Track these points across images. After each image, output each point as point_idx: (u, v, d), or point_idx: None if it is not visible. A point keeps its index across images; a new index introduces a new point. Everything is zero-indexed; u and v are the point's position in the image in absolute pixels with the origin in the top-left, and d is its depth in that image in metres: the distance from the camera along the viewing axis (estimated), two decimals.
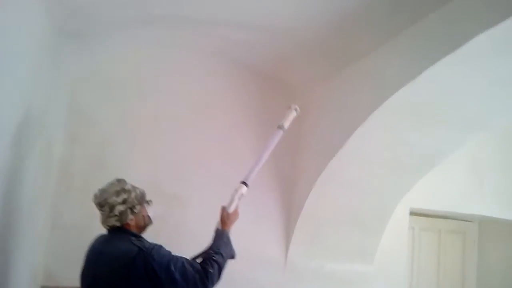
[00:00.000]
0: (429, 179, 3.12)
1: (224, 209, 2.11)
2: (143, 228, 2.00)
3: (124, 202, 1.89)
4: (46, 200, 2.58)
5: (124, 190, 1.91)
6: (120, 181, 1.96)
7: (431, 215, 4.03)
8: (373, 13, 2.05)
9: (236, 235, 2.88)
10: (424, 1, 1.86)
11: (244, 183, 2.16)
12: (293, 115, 2.26)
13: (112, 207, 1.88)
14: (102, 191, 1.92)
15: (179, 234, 2.76)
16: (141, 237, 1.93)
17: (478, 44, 1.64)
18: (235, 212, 2.12)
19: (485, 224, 4.30)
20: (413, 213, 3.69)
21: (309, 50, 2.57)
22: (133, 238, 1.86)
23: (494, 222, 4.12)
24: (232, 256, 2.03)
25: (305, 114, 2.97)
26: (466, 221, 4.27)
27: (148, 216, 2.02)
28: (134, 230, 1.93)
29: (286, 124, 2.26)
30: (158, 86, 2.87)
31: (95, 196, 1.93)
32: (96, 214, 2.50)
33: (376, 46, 2.27)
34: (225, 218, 2.09)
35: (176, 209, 2.83)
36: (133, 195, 1.93)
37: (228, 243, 2.01)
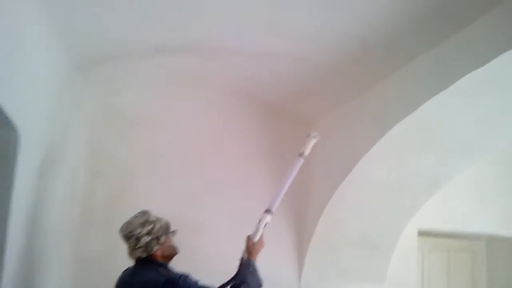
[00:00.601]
0: (436, 200, 3.20)
1: (249, 239, 2.09)
2: (169, 257, 2.03)
3: (149, 233, 1.93)
4: (70, 232, 2.71)
5: (148, 222, 1.96)
6: (144, 213, 2.02)
7: (439, 235, 4.08)
8: (371, 53, 2.22)
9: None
10: (418, 42, 2.03)
11: (268, 211, 2.15)
12: (312, 142, 2.28)
13: (137, 239, 1.92)
14: (127, 223, 1.97)
15: (195, 260, 2.87)
16: (168, 266, 1.98)
17: (468, 81, 1.80)
18: (260, 241, 2.10)
19: (493, 243, 4.32)
20: (422, 234, 3.75)
21: (316, 85, 2.73)
22: (160, 268, 1.91)
23: (501, 240, 4.16)
24: (260, 285, 2.02)
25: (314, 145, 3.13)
26: (474, 240, 4.30)
27: (174, 246, 2.06)
28: (160, 260, 1.97)
29: (307, 152, 2.27)
30: (173, 122, 3.04)
31: (121, 229, 1.98)
32: (118, 245, 2.64)
33: (375, 83, 2.44)
34: (251, 248, 2.06)
35: (192, 237, 2.94)
36: (158, 225, 1.97)
37: (254, 272, 1.99)
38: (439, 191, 2.97)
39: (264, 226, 2.11)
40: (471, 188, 3.77)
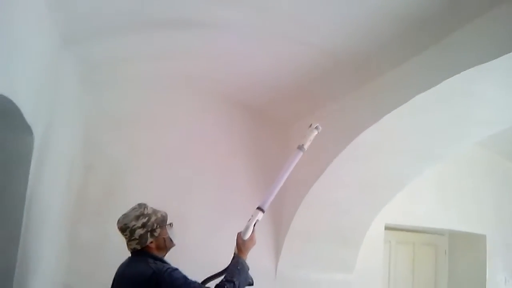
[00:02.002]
0: (403, 197, 3.48)
1: (239, 236, 2.04)
2: (164, 250, 2.03)
3: (143, 226, 1.94)
4: (65, 223, 2.86)
5: (143, 215, 1.96)
6: (141, 205, 2.02)
7: (405, 229, 4.34)
8: (343, 68, 2.49)
9: (228, 248, 3.22)
10: (382, 62, 2.32)
11: (260, 209, 2.06)
12: (314, 134, 2.13)
13: (132, 231, 1.93)
14: (124, 216, 1.99)
15: (181, 250, 3.11)
16: (161, 259, 1.97)
17: (423, 98, 2.12)
18: (251, 239, 2.05)
19: (455, 237, 4.62)
20: (389, 228, 4.01)
21: (293, 91, 2.95)
22: (151, 260, 1.91)
23: (462, 235, 4.46)
24: (249, 283, 2.00)
25: (290, 144, 3.40)
26: (438, 234, 4.59)
27: (170, 238, 2.04)
28: (154, 252, 1.97)
29: (307, 145, 2.13)
30: (162, 121, 3.21)
31: (118, 221, 2.00)
32: (109, 235, 2.85)
33: (348, 92, 2.72)
34: (241, 245, 2.03)
35: (177, 230, 3.16)
36: (153, 218, 1.98)
37: (242, 270, 1.95)
38: (404, 189, 3.23)
39: (255, 223, 2.04)
40: (434, 187, 4.05)
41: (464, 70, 1.83)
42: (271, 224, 3.46)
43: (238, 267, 1.94)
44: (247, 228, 2.03)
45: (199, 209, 3.24)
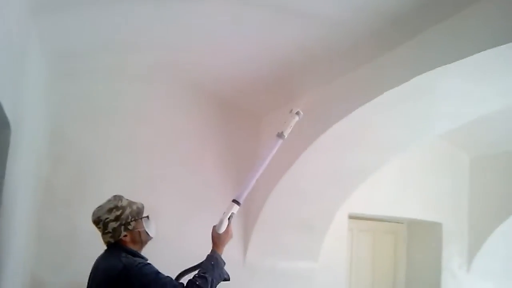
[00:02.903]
0: (365, 188, 3.60)
1: (214, 230, 1.98)
2: (140, 243, 1.96)
3: (117, 219, 1.88)
4: (33, 214, 2.81)
5: (117, 207, 1.90)
6: (116, 197, 1.97)
7: (366, 218, 4.48)
8: (314, 62, 2.57)
9: (200, 240, 3.26)
10: (352, 58, 2.43)
11: (235, 201, 1.99)
12: (294, 120, 2.02)
13: (105, 225, 1.88)
14: (98, 208, 1.94)
15: (152, 243, 3.13)
16: (136, 253, 1.91)
17: (390, 94, 2.24)
18: (227, 232, 1.98)
19: (413, 225, 4.80)
20: (352, 217, 4.14)
21: (264, 84, 3.01)
22: (123, 254, 1.85)
23: (420, 223, 4.64)
24: (224, 279, 1.93)
25: (261, 136, 3.47)
26: (397, 222, 4.77)
27: (146, 232, 1.96)
28: (129, 246, 1.91)
29: (287, 132, 2.02)
30: (133, 113, 3.20)
31: (92, 214, 1.94)
32: (79, 226, 2.85)
33: (319, 86, 2.80)
34: (216, 239, 1.97)
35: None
36: (127, 211, 1.91)
37: (216, 265, 1.89)
38: (366, 180, 3.37)
39: (230, 217, 1.98)
40: (394, 178, 4.20)
41: (433, 69, 1.95)
42: (240, 214, 3.46)
43: (212, 262, 1.90)
44: (221, 221, 1.96)
45: (170, 202, 3.25)
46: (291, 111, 2.04)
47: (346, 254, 4.09)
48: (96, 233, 2.69)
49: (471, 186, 4.70)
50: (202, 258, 3.06)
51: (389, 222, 4.74)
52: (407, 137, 2.87)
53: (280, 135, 2.03)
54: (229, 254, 3.38)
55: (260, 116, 3.57)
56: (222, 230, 1.97)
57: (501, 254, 4.66)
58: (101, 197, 2.79)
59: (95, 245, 2.78)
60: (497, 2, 1.75)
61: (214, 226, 1.99)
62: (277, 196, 3.26)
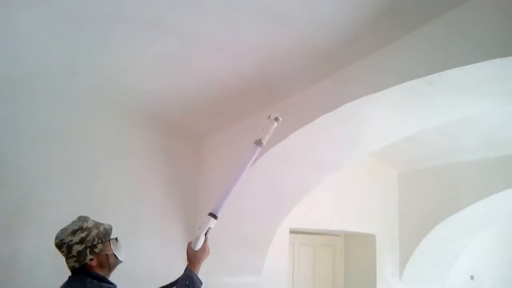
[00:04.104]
0: (304, 204, 3.76)
1: (189, 246, 1.85)
2: (108, 268, 1.81)
3: (82, 241, 1.74)
4: None
5: (82, 229, 1.77)
6: (80, 218, 1.83)
7: (307, 232, 4.70)
8: (253, 88, 2.73)
9: (145, 259, 3.28)
10: (290, 84, 2.62)
11: (212, 215, 1.86)
12: (273, 127, 1.91)
13: (69, 248, 1.73)
14: (62, 231, 1.79)
15: None
16: (103, 278, 1.77)
17: (322, 119, 2.47)
18: (203, 249, 1.85)
19: (349, 238, 5.10)
20: (293, 232, 4.32)
21: (207, 107, 3.11)
22: (89, 279, 1.72)
23: (355, 235, 4.95)
24: None
25: (204, 155, 3.59)
26: (335, 235, 5.04)
27: (114, 255, 1.82)
28: (96, 270, 1.76)
29: (266, 139, 1.90)
30: (78, 136, 3.15)
31: (55, 237, 1.78)
32: (21, 249, 2.80)
33: (259, 110, 2.98)
34: (192, 257, 1.84)
35: None
36: (93, 233, 1.78)
37: (192, 286, 1.77)
38: (305, 196, 3.54)
39: (207, 232, 1.84)
40: (331, 194, 4.45)
41: (358, 98, 2.19)
42: (185, 233, 3.58)
43: (187, 282, 1.77)
44: (198, 237, 1.82)
45: (114, 223, 3.14)
46: (269, 117, 1.92)
47: (288, 267, 4.25)
48: (40, 259, 2.68)
49: (399, 200, 5.07)
50: (149, 277, 3.15)
51: (328, 235, 4.99)
52: (342, 156, 3.10)
53: (258, 142, 1.90)
54: (175, 271, 3.46)
55: (203, 137, 3.67)
56: (199, 247, 1.83)
57: (429, 261, 5.04)
58: (45, 221, 2.78)
59: (40, 272, 2.75)
60: (411, 43, 2.03)
61: (190, 243, 1.85)
62: (220, 215, 3.35)
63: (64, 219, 1.94)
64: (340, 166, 3.32)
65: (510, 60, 1.66)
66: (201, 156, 3.65)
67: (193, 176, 3.61)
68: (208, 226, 1.84)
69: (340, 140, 2.88)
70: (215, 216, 1.86)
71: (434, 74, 1.89)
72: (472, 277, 5.53)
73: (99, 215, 3.11)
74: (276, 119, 1.89)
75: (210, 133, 3.58)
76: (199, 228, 1.83)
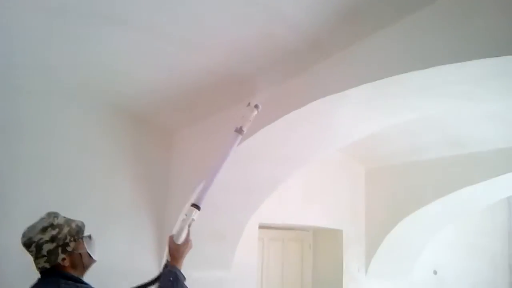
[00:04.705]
0: (273, 199, 3.83)
1: (171, 240, 1.74)
2: (82, 267, 1.69)
3: (53, 239, 1.61)
4: None
5: (53, 226, 1.63)
6: (50, 214, 1.70)
7: (276, 227, 4.77)
8: (224, 83, 2.76)
9: (115, 253, 3.28)
10: (259, 82, 2.67)
11: (195, 205, 1.79)
12: (253, 114, 1.87)
13: (38, 247, 1.59)
14: (29, 228, 1.65)
15: None
16: (77, 279, 1.65)
17: (291, 116, 2.54)
18: (186, 242, 1.77)
19: (318, 232, 5.19)
20: (262, 227, 4.36)
21: (177, 101, 3.10)
22: (62, 281, 1.60)
23: (323, 230, 5.04)
24: None
25: (174, 150, 3.61)
26: (303, 230, 5.13)
27: (88, 253, 1.70)
28: (69, 271, 1.64)
29: (246, 126, 1.86)
30: (45, 131, 3.08)
31: (22, 235, 1.65)
32: None
33: (229, 107, 3.02)
34: (174, 251, 1.74)
35: None
36: (65, 230, 1.65)
37: (176, 282, 1.69)
38: (275, 192, 3.61)
39: (190, 224, 1.76)
40: (300, 189, 4.53)
41: (327, 96, 2.27)
42: (155, 226, 3.59)
43: (171, 278, 1.69)
44: (181, 229, 1.74)
45: (84, 219, 3.15)
46: (248, 104, 1.87)
47: (257, 261, 4.30)
48: (5, 259, 2.62)
49: (366, 196, 5.20)
50: (120, 273, 3.16)
51: (296, 230, 5.07)
52: (310, 152, 3.18)
53: (239, 130, 1.85)
54: (144, 266, 3.48)
55: (172, 131, 3.68)
56: (182, 240, 1.75)
57: (394, 256, 5.20)
58: (12, 220, 2.72)
59: (2, 272, 2.69)
60: (376, 43, 2.11)
61: (171, 237, 1.75)
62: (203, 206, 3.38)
63: (31, 216, 1.82)
64: (308, 162, 3.39)
65: (464, 65, 1.75)
66: (171, 150, 3.66)
67: (163, 170, 3.62)
68: (192, 217, 1.77)
69: (308, 137, 2.95)
70: (198, 207, 1.79)
71: (397, 75, 1.98)
72: (435, 272, 5.71)
73: (67, 213, 3.09)
74: (256, 106, 1.86)
75: (180, 127, 3.60)
76: (182, 220, 1.75)
